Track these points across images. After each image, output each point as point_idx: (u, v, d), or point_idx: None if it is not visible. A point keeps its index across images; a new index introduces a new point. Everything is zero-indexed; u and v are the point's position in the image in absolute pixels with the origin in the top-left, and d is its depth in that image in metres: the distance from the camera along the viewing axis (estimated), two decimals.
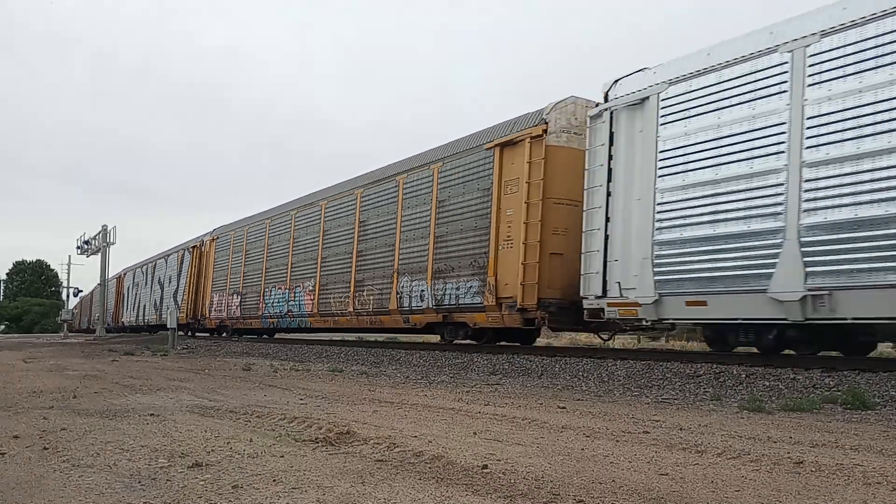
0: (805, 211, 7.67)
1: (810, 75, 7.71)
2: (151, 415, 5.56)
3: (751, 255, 8.21)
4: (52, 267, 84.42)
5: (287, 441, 4.37)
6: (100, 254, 37.13)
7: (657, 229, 9.19)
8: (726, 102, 8.57)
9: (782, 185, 7.90)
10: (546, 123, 11.21)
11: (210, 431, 4.73)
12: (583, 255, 10.17)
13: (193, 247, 26.97)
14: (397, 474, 3.45)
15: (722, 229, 8.53)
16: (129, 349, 18.87)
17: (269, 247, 20.49)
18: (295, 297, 18.47)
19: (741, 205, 8.31)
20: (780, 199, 7.93)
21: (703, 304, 8.79)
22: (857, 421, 5.38)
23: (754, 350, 9.93)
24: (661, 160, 9.21)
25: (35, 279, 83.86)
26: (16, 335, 52.05)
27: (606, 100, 10.11)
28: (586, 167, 10.26)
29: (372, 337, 20.90)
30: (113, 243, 36.52)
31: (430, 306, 13.17)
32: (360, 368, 11.76)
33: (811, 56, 7.73)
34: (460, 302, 12.55)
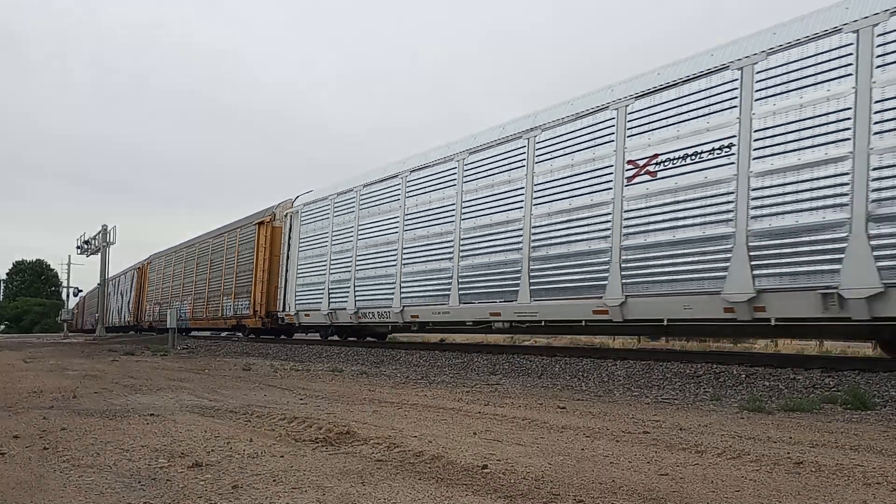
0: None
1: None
2: (151, 415, 5.56)
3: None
4: (52, 267, 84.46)
5: (287, 441, 4.37)
6: (100, 254, 37.14)
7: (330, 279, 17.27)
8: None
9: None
10: (273, 215, 21.04)
11: (210, 431, 4.73)
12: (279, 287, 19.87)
13: (139, 267, 38.26)
14: (397, 474, 3.45)
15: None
16: (129, 349, 18.87)
17: (175, 272, 30.98)
18: (183, 306, 28.66)
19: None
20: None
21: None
22: (856, 421, 5.38)
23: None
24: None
25: (35, 279, 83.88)
26: (16, 335, 52.04)
27: (292, 206, 19.67)
28: (283, 240, 19.98)
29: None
30: (113, 243, 36.52)
31: (231, 315, 23.20)
32: (360, 368, 11.76)
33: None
34: (241, 313, 22.22)
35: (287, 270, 19.28)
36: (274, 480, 3.30)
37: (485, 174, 12.31)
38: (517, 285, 11.37)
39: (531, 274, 11.09)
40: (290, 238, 19.35)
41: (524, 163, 11.53)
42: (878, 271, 7.15)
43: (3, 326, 70.41)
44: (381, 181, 15.26)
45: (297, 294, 18.45)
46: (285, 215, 20.09)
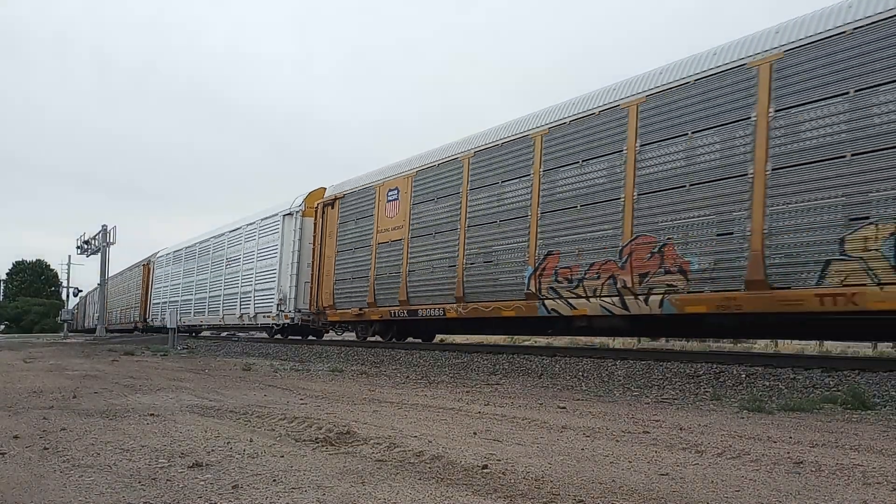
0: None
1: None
2: (151, 415, 5.56)
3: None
4: (52, 267, 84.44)
5: (287, 441, 4.37)
6: (100, 254, 37.13)
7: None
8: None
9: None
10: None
11: (210, 431, 4.73)
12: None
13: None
14: (397, 474, 3.45)
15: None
16: (129, 349, 18.86)
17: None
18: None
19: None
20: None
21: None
22: (856, 421, 5.38)
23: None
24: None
25: (35, 279, 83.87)
26: (16, 335, 52.03)
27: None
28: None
29: (372, 337, 21.62)
30: (113, 243, 36.54)
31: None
32: (360, 368, 11.76)
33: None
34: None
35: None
36: (274, 480, 3.30)
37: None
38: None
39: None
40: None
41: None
42: None
43: (3, 326, 70.40)
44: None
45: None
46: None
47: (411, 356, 13.00)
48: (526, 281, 11.52)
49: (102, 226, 36.52)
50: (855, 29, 7.59)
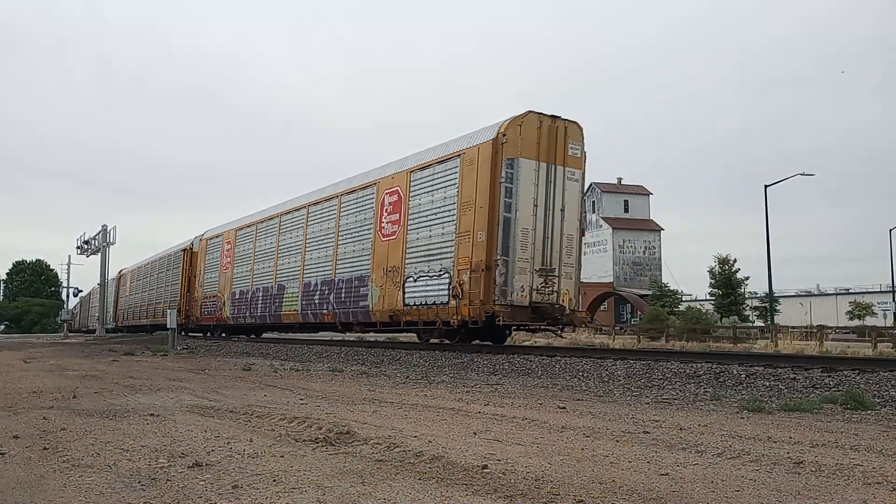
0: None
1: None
2: (151, 415, 5.56)
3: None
4: (52, 267, 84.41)
5: (287, 441, 4.36)
6: (100, 254, 37.13)
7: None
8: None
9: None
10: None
11: (210, 431, 4.73)
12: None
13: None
14: (397, 474, 3.44)
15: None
16: (129, 349, 18.86)
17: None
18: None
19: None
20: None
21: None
22: (856, 421, 5.38)
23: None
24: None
25: (35, 279, 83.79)
26: (16, 335, 52.01)
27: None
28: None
29: (371, 337, 21.53)
30: (113, 243, 36.53)
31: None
32: (360, 368, 11.76)
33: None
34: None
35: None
36: (274, 480, 3.30)
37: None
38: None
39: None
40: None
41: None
42: None
43: (3, 326, 70.36)
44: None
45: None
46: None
47: (411, 356, 13.00)
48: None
49: (102, 226, 36.54)
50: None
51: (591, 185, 71.13)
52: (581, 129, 13.65)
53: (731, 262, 44.14)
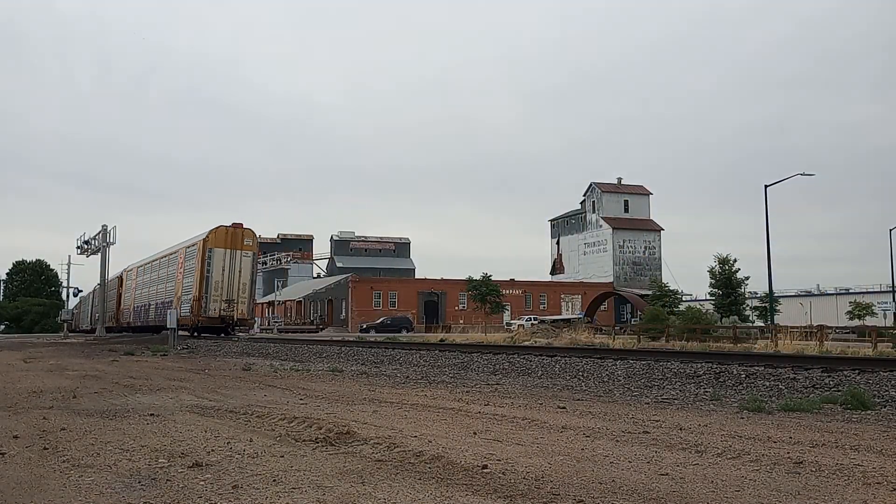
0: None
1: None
2: (151, 415, 5.56)
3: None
4: (52, 267, 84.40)
5: (287, 441, 4.36)
6: (100, 254, 37.13)
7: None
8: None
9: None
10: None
11: (210, 431, 4.73)
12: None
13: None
14: (397, 474, 3.44)
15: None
16: (129, 349, 18.86)
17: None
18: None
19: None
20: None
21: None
22: (856, 421, 5.38)
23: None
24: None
25: (35, 279, 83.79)
26: (16, 335, 52.03)
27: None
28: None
29: (371, 337, 21.47)
30: (113, 243, 36.56)
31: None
32: (360, 368, 11.75)
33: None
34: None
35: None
36: (274, 480, 3.30)
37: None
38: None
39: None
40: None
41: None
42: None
43: (3, 326, 70.37)
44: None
45: None
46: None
47: (411, 356, 13.01)
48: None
49: (102, 226, 36.58)
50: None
51: (591, 185, 71.27)
52: (253, 231, 29.74)
53: (731, 261, 44.15)
